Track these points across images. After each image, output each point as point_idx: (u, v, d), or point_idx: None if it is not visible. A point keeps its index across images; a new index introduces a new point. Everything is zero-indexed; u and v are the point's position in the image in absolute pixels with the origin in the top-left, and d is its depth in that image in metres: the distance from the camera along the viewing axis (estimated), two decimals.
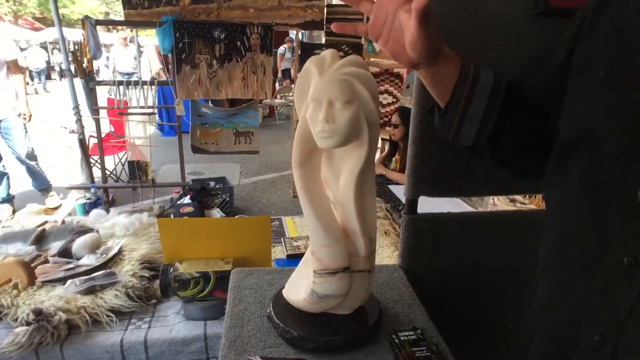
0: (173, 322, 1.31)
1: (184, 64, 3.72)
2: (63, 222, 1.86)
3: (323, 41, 5.12)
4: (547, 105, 0.68)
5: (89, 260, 1.48)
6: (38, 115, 5.71)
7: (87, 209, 3.91)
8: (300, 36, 4.20)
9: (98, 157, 4.27)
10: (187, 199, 3.69)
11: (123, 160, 4.76)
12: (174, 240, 1.32)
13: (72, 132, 6.69)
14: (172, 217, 2.09)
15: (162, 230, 1.32)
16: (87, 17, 3.74)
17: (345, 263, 0.78)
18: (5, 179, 3.98)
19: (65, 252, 1.54)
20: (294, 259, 1.61)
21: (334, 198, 0.81)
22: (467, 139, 0.70)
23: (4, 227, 1.82)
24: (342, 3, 5.50)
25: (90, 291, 1.34)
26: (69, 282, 1.37)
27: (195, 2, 3.79)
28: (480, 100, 0.67)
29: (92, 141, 4.46)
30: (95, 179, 4.27)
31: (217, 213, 3.73)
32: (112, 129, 5.09)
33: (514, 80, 0.71)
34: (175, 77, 3.74)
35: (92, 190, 4.01)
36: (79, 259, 1.52)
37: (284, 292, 0.88)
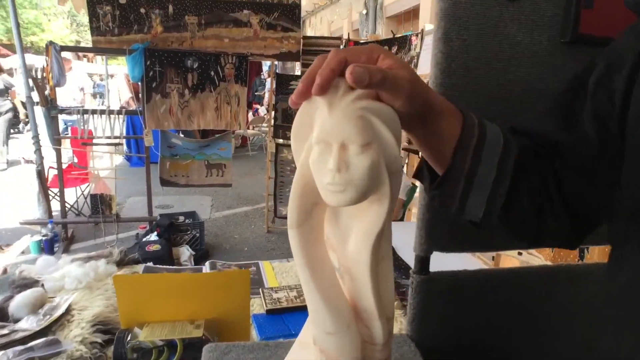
0: None
1: (155, 92, 3.53)
2: (5, 271, 1.60)
3: (299, 72, 5.04)
4: (587, 156, 0.55)
5: (28, 324, 1.23)
6: None
7: (42, 246, 3.59)
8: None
9: (58, 189, 3.96)
10: (153, 236, 3.43)
11: (85, 193, 4.45)
12: (133, 301, 1.11)
13: (29, 162, 6.34)
14: (138, 257, 1.85)
15: (118, 289, 1.10)
16: (51, 42, 3.53)
17: (358, 355, 0.59)
18: None
19: (1, 313, 1.28)
20: (275, 314, 1.40)
21: (339, 264, 0.63)
22: (475, 212, 0.56)
23: None
24: (319, 35, 5.53)
25: None
26: (1, 353, 1.12)
27: (167, 31, 3.64)
28: (490, 162, 0.53)
29: (52, 172, 4.15)
30: (54, 214, 3.95)
31: (186, 250, 3.48)
32: (76, 160, 4.79)
33: (540, 128, 0.59)
34: (144, 106, 3.54)
35: (49, 226, 3.70)
36: (16, 320, 1.27)
37: None
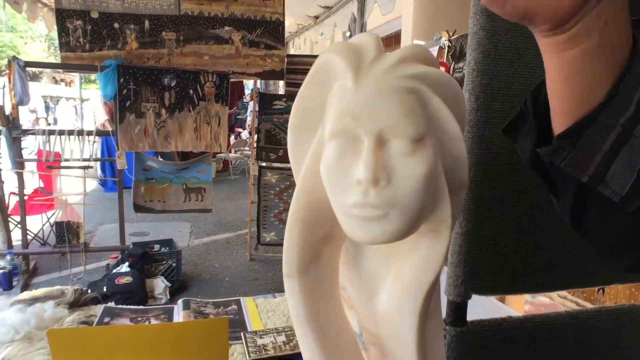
0: None
1: (128, 112, 3.30)
2: None
3: (282, 91, 4.87)
4: None
5: None
6: None
7: None
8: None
9: (18, 217, 3.64)
10: (125, 267, 3.13)
11: (52, 221, 4.12)
12: None
13: None
14: (97, 295, 1.58)
15: (54, 348, 0.85)
16: (14, 57, 3.28)
17: None
18: None
19: None
20: None
21: (361, 329, 0.42)
22: (621, 181, 0.34)
23: None
24: (303, 53, 5.37)
25: None
26: None
27: (143, 47, 3.45)
28: None
29: (14, 199, 3.83)
30: (15, 243, 3.61)
31: (161, 282, 3.19)
32: (42, 185, 4.47)
33: None
34: (117, 126, 3.29)
35: (8, 257, 3.36)
36: None
37: None
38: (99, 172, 6.26)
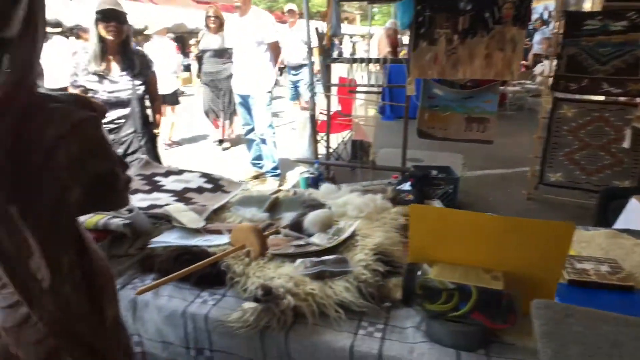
0: (413, 340, 1.01)
1: (422, 40, 3.42)
2: (295, 192, 1.77)
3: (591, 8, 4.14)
4: None
5: (319, 240, 1.31)
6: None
7: (309, 183, 4.05)
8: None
9: (324, 134, 4.38)
10: (406, 185, 3.43)
11: (346, 140, 4.81)
12: (425, 235, 1.02)
13: (304, 108, 7.20)
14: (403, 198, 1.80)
15: (413, 219, 1.02)
16: None
17: None
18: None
19: (297, 226, 1.40)
20: (580, 287, 1.12)
21: None
22: None
23: (243, 189, 1.84)
24: None
25: (319, 276, 1.15)
26: (298, 261, 1.21)
27: None
28: None
29: (321, 118, 4.61)
30: (319, 156, 4.41)
31: (438, 204, 3.38)
32: (340, 108, 5.21)
33: None
34: (410, 53, 3.48)
35: (316, 165, 4.13)
36: (309, 235, 1.36)
37: None
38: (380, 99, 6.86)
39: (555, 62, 3.22)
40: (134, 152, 2.59)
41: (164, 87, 4.58)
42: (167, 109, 5.60)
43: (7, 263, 0.61)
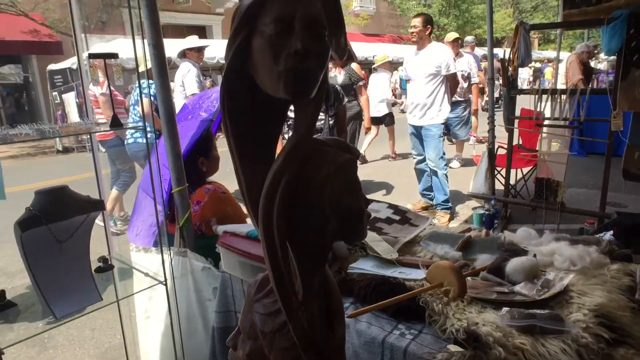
0: None
1: (634, 67, 2.99)
2: (487, 233, 1.69)
3: None
4: None
5: (526, 290, 1.21)
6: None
7: (483, 220, 3.82)
8: None
9: (502, 169, 4.12)
10: (607, 235, 2.98)
11: (526, 176, 4.44)
12: None
13: (481, 141, 6.88)
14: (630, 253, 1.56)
15: None
16: (522, 22, 3.58)
17: None
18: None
19: (497, 271, 1.33)
20: None
21: None
22: None
23: (431, 225, 1.83)
24: None
25: (529, 330, 1.07)
26: (504, 309, 1.14)
27: None
28: None
29: (500, 152, 4.35)
30: (495, 192, 4.15)
31: None
32: (521, 142, 4.85)
33: None
34: (617, 83, 3.07)
35: (492, 202, 3.89)
36: (512, 283, 1.27)
37: None
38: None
39: None
40: None
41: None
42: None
43: (277, 273, 0.71)
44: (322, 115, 2.82)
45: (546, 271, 1.31)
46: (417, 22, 3.91)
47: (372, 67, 6.97)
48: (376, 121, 6.44)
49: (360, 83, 5.35)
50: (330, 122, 2.83)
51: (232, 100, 0.68)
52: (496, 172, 4.30)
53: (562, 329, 1.05)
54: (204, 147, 2.08)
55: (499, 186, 4.24)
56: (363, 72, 5.75)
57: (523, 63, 3.65)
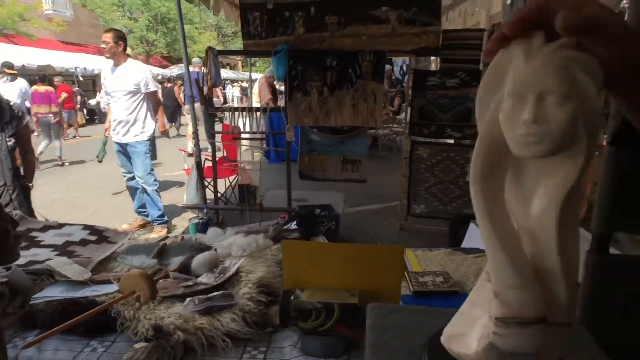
0: (290, 356, 1.19)
1: (296, 91, 3.78)
2: (182, 238, 1.88)
3: (434, 67, 4.94)
4: None
5: (207, 279, 1.44)
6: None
7: (198, 228, 4.08)
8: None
9: (211, 179, 4.48)
10: (293, 225, 3.68)
11: (233, 184, 4.95)
12: (296, 265, 1.22)
13: (190, 155, 7.14)
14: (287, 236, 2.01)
15: (285, 252, 1.23)
16: (210, 48, 4.00)
17: (542, 312, 0.59)
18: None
19: (185, 269, 1.52)
20: (422, 297, 1.42)
21: (518, 226, 0.63)
22: None
23: (130, 239, 1.89)
24: (459, 28, 5.25)
25: (208, 312, 1.29)
26: (187, 300, 1.33)
27: (309, 32, 3.87)
28: None
29: (207, 164, 4.70)
30: (207, 201, 4.48)
31: (322, 240, 3.66)
32: (225, 154, 5.35)
33: None
34: (287, 103, 3.81)
35: (205, 210, 4.19)
36: (197, 276, 1.49)
37: (443, 340, 0.71)
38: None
39: (409, 111, 3.79)
40: (5, 206, 2.45)
41: None
42: None
43: None
44: None
45: (225, 260, 1.58)
46: (108, 37, 3.82)
47: None
48: None
49: None
50: (10, 144, 2.50)
51: None
52: (207, 182, 4.62)
53: (232, 303, 1.31)
54: None
55: (210, 195, 4.58)
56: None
57: (215, 83, 4.07)
